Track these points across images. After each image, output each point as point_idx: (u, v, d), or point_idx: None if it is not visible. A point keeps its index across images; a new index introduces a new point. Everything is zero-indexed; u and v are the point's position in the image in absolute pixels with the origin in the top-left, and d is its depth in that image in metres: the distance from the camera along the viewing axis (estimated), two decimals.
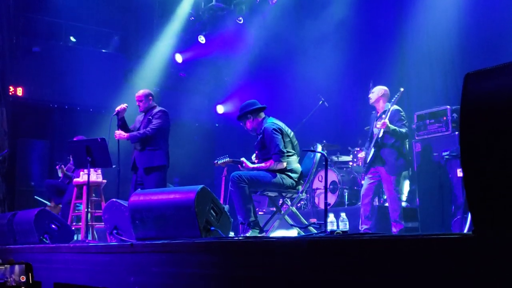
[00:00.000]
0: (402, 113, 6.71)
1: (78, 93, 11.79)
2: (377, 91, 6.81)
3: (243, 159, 5.86)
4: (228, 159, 6.07)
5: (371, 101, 6.83)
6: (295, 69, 11.34)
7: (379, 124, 6.55)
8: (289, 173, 5.60)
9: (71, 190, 8.01)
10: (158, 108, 6.76)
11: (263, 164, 5.62)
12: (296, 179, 5.64)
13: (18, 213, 6.45)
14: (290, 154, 5.64)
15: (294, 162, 5.67)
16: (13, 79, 11.11)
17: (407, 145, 6.81)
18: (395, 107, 6.69)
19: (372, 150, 6.67)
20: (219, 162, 6.13)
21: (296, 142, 5.79)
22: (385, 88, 6.83)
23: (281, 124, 5.75)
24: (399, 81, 8.74)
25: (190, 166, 11.89)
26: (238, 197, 5.37)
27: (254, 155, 6.03)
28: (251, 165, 5.75)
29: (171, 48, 12.43)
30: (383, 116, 6.58)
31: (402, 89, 6.68)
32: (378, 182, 6.79)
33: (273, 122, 5.74)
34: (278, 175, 5.54)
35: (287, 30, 11.34)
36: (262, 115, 5.86)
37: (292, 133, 5.79)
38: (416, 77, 8.82)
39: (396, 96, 6.60)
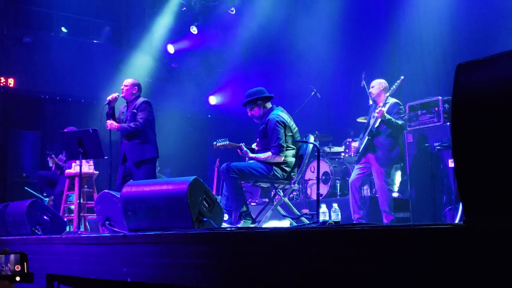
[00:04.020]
0: (401, 107, 6.74)
1: (70, 84, 11.72)
2: (377, 85, 6.80)
3: (242, 144, 5.82)
4: (227, 142, 5.92)
5: (373, 96, 6.82)
6: (287, 59, 11.34)
7: (376, 112, 6.58)
8: (283, 166, 5.61)
9: (63, 181, 7.98)
10: (141, 100, 6.62)
11: (261, 155, 5.62)
12: (288, 172, 5.64)
13: (10, 204, 6.41)
14: (289, 148, 5.64)
15: (289, 156, 5.65)
16: (4, 70, 11.03)
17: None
18: (395, 100, 6.73)
19: (366, 138, 6.68)
20: (217, 144, 5.98)
21: (298, 137, 5.75)
22: (383, 81, 6.85)
23: (286, 118, 5.71)
24: (391, 72, 8.75)
25: (182, 157, 11.88)
26: (228, 188, 5.43)
27: (255, 144, 6.03)
28: (250, 154, 5.75)
29: (163, 39, 12.40)
30: (381, 104, 6.61)
31: (402, 77, 6.71)
32: (367, 173, 6.82)
33: (278, 114, 5.69)
34: (272, 168, 5.55)
35: (279, 21, 11.32)
36: (270, 104, 5.85)
37: (296, 129, 5.74)
38: (408, 68, 8.83)
39: (396, 83, 6.62)
